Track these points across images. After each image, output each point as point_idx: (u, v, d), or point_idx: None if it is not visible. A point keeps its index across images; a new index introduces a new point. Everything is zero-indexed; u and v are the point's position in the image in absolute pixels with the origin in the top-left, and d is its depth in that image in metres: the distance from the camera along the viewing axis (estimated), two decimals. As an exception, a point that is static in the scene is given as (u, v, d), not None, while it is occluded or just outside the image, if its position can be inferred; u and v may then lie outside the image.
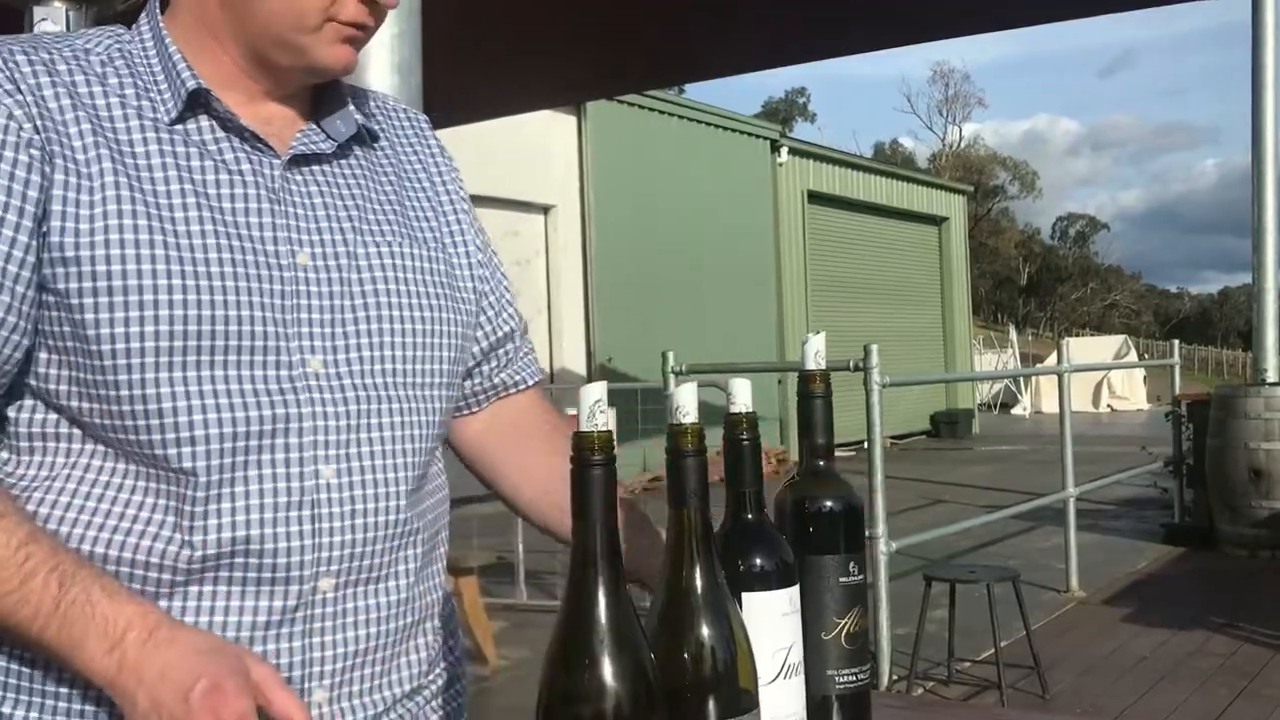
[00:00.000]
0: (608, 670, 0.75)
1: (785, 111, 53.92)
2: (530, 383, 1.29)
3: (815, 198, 17.39)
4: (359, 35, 1.05)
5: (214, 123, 1.04)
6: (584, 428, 0.77)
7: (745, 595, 0.90)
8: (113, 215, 0.96)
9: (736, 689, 0.83)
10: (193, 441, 0.97)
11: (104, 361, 0.96)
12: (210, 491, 0.98)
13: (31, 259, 0.95)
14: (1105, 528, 8.71)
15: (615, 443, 0.79)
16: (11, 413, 1.01)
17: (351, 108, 1.13)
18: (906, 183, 20.32)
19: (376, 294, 1.08)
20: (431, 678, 1.14)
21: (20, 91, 0.97)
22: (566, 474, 0.93)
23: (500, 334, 1.25)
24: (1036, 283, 59.60)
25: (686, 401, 0.84)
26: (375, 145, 1.17)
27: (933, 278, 20.64)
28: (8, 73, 0.97)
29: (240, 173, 1.04)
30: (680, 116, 14.68)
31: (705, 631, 0.81)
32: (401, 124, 1.23)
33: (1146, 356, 30.33)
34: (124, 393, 0.96)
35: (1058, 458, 6.69)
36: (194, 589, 0.98)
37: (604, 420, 0.78)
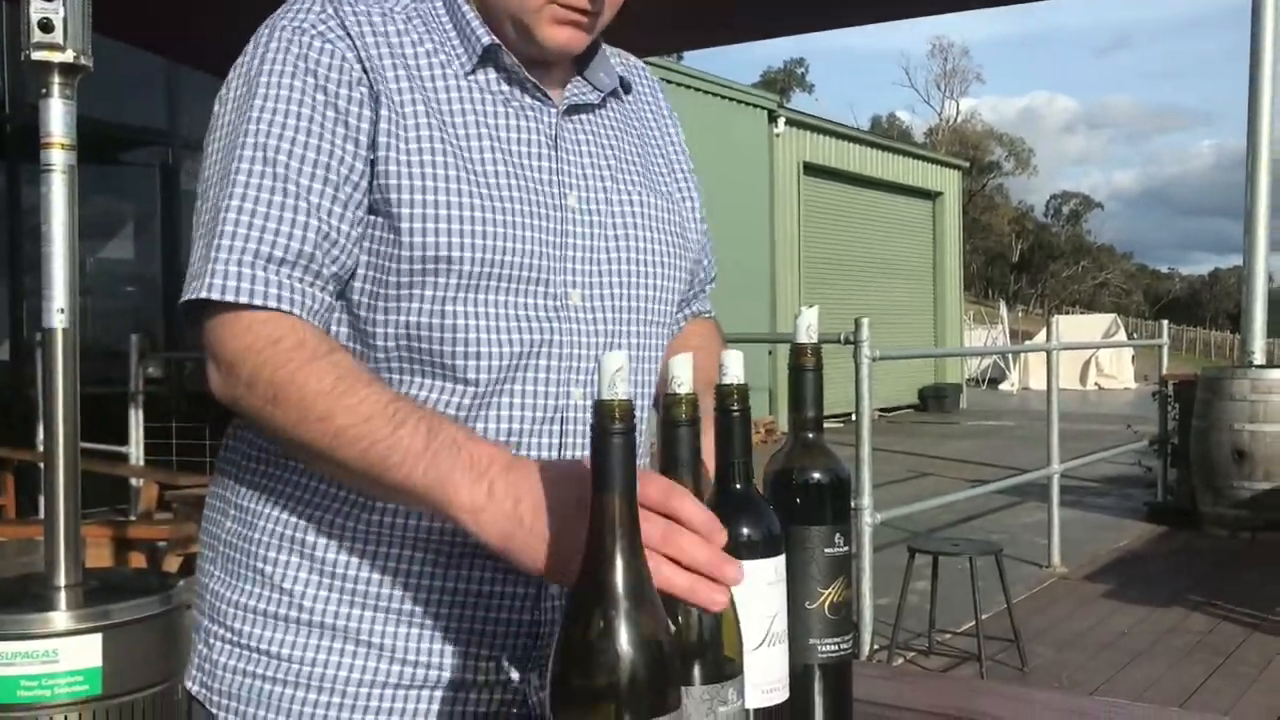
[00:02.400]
0: (625, 638, 0.76)
1: (783, 82, 53.69)
2: (705, 309, 1.42)
3: (811, 169, 17.35)
4: (581, 19, 1.12)
5: (501, 75, 1.15)
6: (604, 396, 0.78)
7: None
8: (426, 151, 1.07)
9: (721, 656, 0.84)
10: (479, 356, 1.08)
11: (413, 277, 1.07)
12: (482, 400, 1.09)
13: (365, 181, 1.07)
14: (1089, 504, 8.78)
15: (635, 411, 0.80)
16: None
17: (613, 61, 1.24)
18: (902, 156, 20.26)
19: (628, 239, 1.18)
20: None
21: (349, 38, 1.09)
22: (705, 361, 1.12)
23: (703, 279, 1.39)
24: (1028, 260, 59.67)
25: (672, 372, 0.86)
26: (628, 97, 1.28)
27: (925, 252, 20.64)
28: (339, 19, 1.10)
29: (527, 119, 1.15)
30: (678, 84, 14.61)
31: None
32: (642, 79, 1.34)
33: (1135, 336, 30.43)
34: (425, 305, 1.07)
35: (1044, 434, 6.73)
36: None
37: (624, 389, 0.79)
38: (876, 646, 4.87)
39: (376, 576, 1.10)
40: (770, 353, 14.29)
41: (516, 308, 1.10)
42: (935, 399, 19.33)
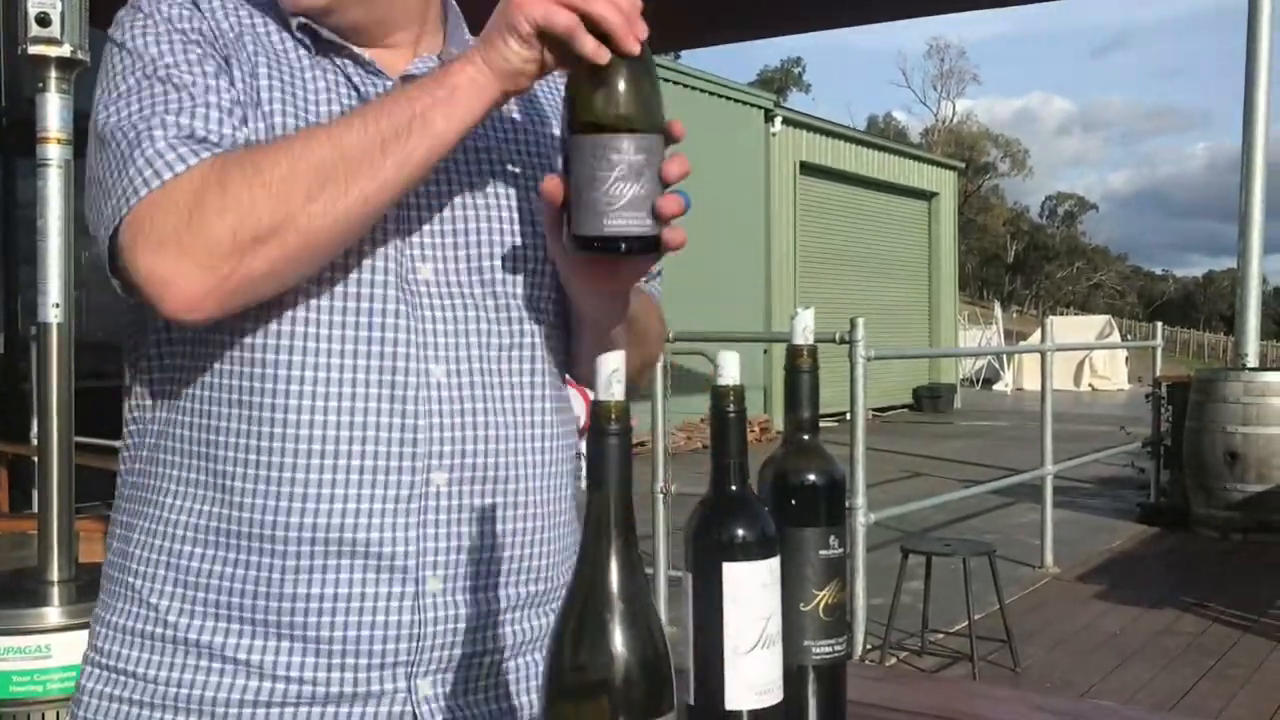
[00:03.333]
0: (619, 641, 0.75)
1: (780, 81, 53.69)
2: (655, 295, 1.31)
3: (807, 169, 17.36)
4: None
5: (333, 49, 1.10)
6: (601, 397, 0.78)
7: (726, 565, 0.91)
8: (266, 116, 1.04)
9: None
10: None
11: None
12: (332, 374, 1.03)
13: (237, 104, 1.04)
14: (1082, 505, 8.80)
15: (630, 412, 0.80)
16: None
17: (470, 38, 1.17)
18: (898, 157, 20.28)
19: (488, 208, 1.11)
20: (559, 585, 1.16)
21: (201, 13, 1.07)
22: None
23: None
24: (1023, 261, 59.75)
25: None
26: None
27: (921, 253, 20.66)
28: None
29: (364, 89, 1.09)
30: (676, 83, 14.60)
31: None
32: None
33: (1129, 337, 30.50)
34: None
35: (1037, 435, 6.75)
36: (313, 475, 1.02)
37: (620, 390, 0.78)
38: (870, 646, 4.88)
39: (238, 586, 1.03)
40: (765, 352, 14.29)
41: (361, 273, 1.04)
42: (930, 399, 19.36)
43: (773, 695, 0.94)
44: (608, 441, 0.78)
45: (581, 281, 1.09)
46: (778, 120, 16.65)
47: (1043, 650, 5.10)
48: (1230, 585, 6.18)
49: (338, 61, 1.11)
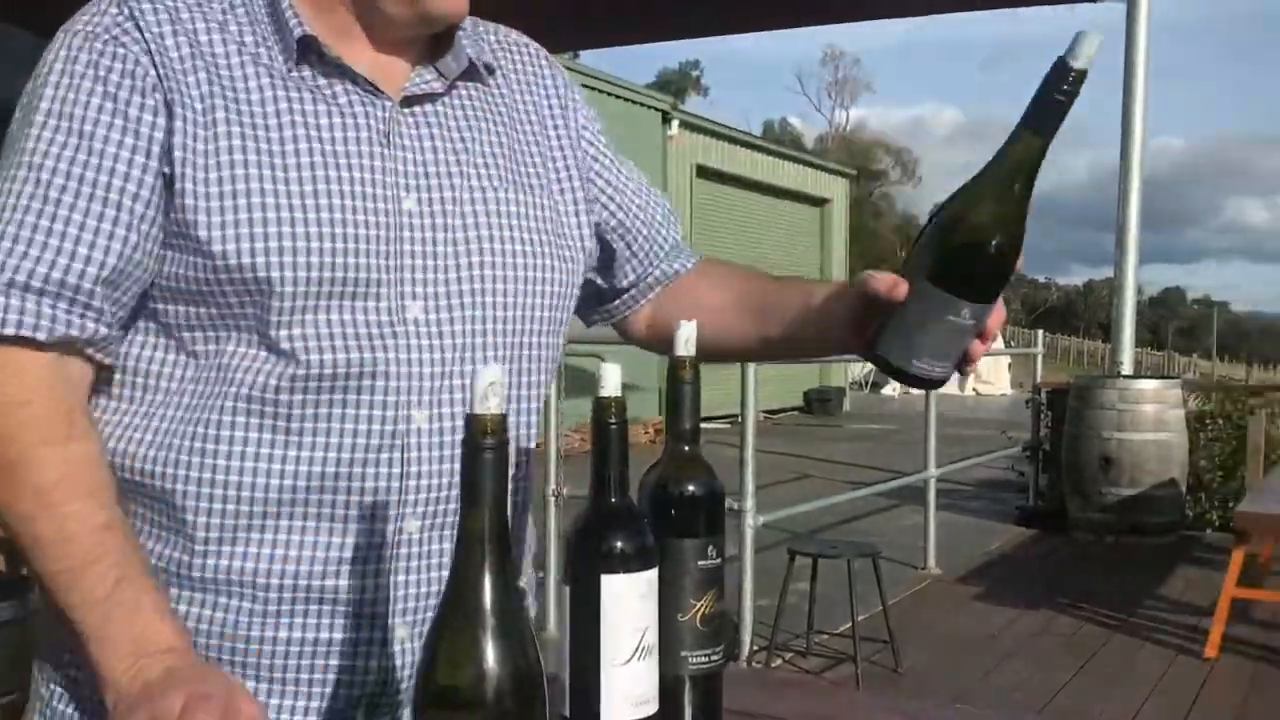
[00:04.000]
0: (490, 656, 0.74)
1: (678, 83, 54.02)
2: (689, 266, 1.33)
3: (704, 172, 17.49)
4: None
5: (322, 70, 1.05)
6: (476, 410, 0.76)
7: (605, 577, 0.91)
8: (233, 164, 0.99)
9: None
10: (293, 379, 1.00)
11: (229, 301, 1.00)
12: (305, 424, 1.01)
13: (158, 198, 0.99)
14: (964, 508, 9.03)
15: (508, 426, 0.78)
16: (124, 348, 1.04)
17: (465, 42, 1.13)
18: (793, 163, 20.58)
19: (480, 241, 1.09)
20: None
21: (145, 41, 1.01)
22: (730, 283, 1.27)
23: (653, 269, 1.31)
24: (913, 267, 61.05)
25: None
26: (490, 80, 1.17)
27: (813, 258, 20.98)
28: (135, 21, 1.01)
29: (354, 115, 1.05)
30: (573, 81, 14.56)
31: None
32: (520, 58, 1.23)
33: (1014, 343, 31.40)
34: (243, 334, 1.01)
35: (922, 438, 6.90)
36: (283, 522, 1.01)
37: (497, 403, 0.77)
38: (756, 648, 4.93)
39: (203, 627, 1.02)
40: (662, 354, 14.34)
41: (344, 325, 1.01)
42: (819, 402, 19.67)
43: (649, 706, 0.94)
44: (483, 457, 0.76)
45: (839, 343, 1.13)
46: (675, 123, 16.74)
47: (924, 650, 5.21)
48: (1103, 586, 6.40)
49: (323, 86, 1.05)
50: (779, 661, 4.91)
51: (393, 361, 1.03)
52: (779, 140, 36.62)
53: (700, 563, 0.99)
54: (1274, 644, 5.21)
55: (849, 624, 4.73)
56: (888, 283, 1.01)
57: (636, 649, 0.92)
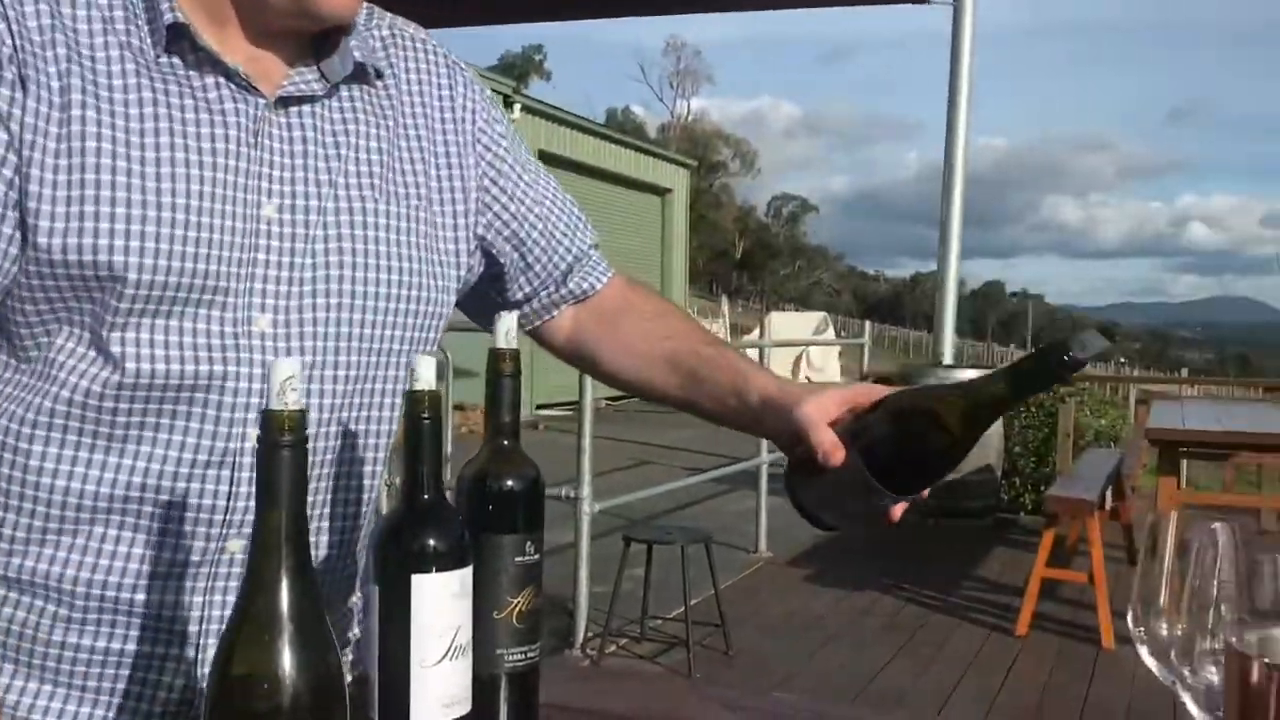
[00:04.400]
0: (287, 663, 0.72)
1: (521, 67, 53.64)
2: (600, 284, 1.30)
3: (546, 158, 17.40)
4: None
5: (193, 59, 0.99)
6: (273, 406, 0.73)
7: (415, 577, 0.89)
8: (78, 152, 0.93)
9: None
10: (119, 386, 0.95)
11: (65, 298, 0.94)
12: (129, 433, 0.96)
13: (9, 189, 0.92)
14: (796, 493, 9.26)
15: (307, 423, 0.75)
16: None
17: (354, 43, 1.06)
18: (635, 152, 20.70)
19: (341, 254, 1.03)
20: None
21: (5, 13, 0.93)
22: (664, 333, 1.24)
23: (552, 283, 1.26)
24: (750, 258, 62.41)
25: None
26: (378, 83, 1.10)
27: (654, 247, 21.18)
28: None
29: (221, 112, 0.99)
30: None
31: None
32: (414, 56, 1.15)
33: (844, 333, 32.39)
34: (80, 332, 0.95)
35: (756, 427, 7.04)
36: (98, 529, 0.96)
37: (295, 398, 0.74)
38: (590, 634, 4.95)
39: (3, 625, 0.99)
40: (499, 339, 14.25)
41: (183, 334, 0.96)
42: (659, 389, 19.88)
43: (461, 707, 0.92)
44: (280, 454, 0.73)
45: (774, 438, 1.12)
46: (517, 107, 16.62)
47: (755, 633, 5.33)
48: (924, 567, 6.67)
49: (192, 78, 0.99)
50: (613, 648, 4.95)
51: (231, 376, 0.98)
52: (622, 128, 36.77)
53: (518, 559, 0.98)
54: (1079, 621, 5.53)
55: (682, 609, 4.79)
56: (825, 449, 1.01)
57: (449, 649, 0.90)
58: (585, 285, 1.29)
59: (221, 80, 1.00)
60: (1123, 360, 54.49)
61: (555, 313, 1.29)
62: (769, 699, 1.18)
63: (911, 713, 4.31)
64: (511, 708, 0.99)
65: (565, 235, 1.27)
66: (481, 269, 1.22)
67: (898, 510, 1.04)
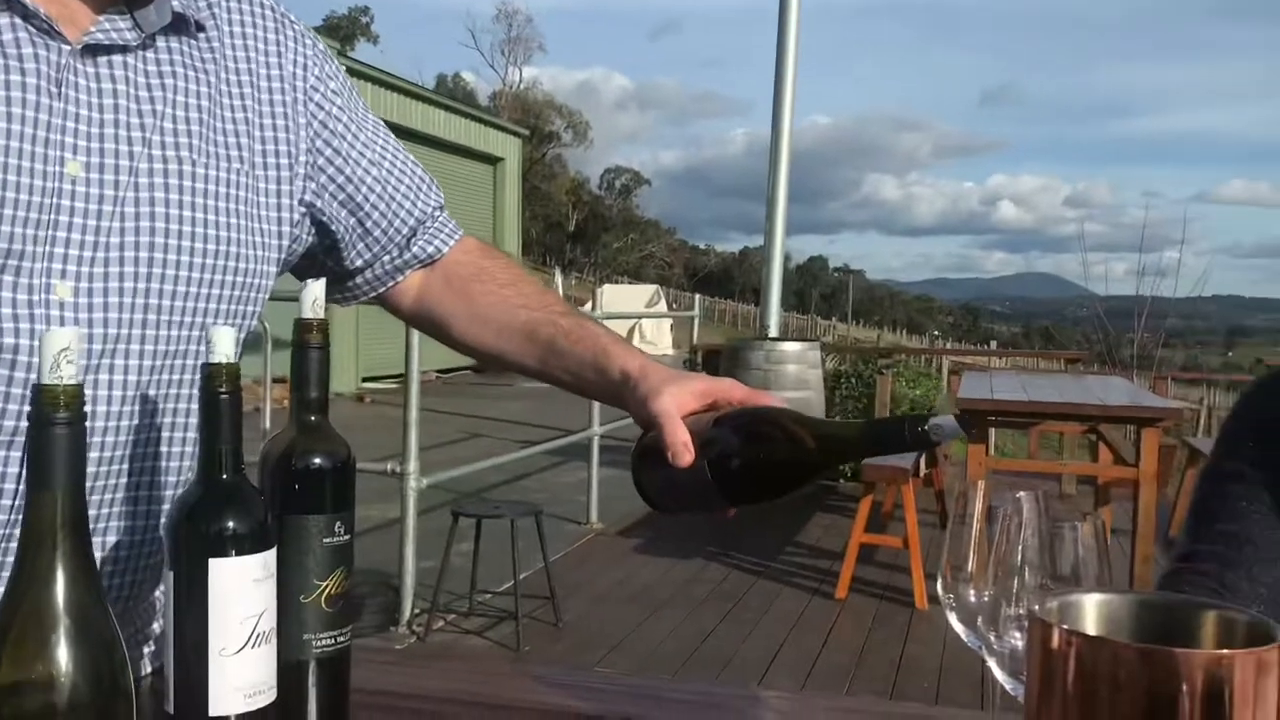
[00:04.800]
0: (64, 659, 0.66)
1: (347, 29, 52.06)
2: (447, 248, 1.25)
3: (372, 123, 16.96)
4: None
5: None
6: (47, 380, 0.67)
7: (213, 561, 0.83)
8: None
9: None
10: None
11: None
12: None
13: None
14: (626, 464, 9.25)
15: (84, 399, 0.69)
16: None
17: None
18: (466, 119, 20.38)
19: (153, 218, 0.96)
20: None
21: None
22: (520, 302, 1.21)
23: (393, 248, 1.21)
24: (583, 230, 62.45)
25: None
26: (198, 36, 1.00)
27: (486, 217, 20.93)
28: None
29: (18, 58, 0.90)
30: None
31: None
32: (240, 9, 1.07)
33: (676, 306, 32.81)
34: None
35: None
36: None
37: (71, 372, 0.67)
38: (417, 610, 4.88)
39: None
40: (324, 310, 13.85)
41: None
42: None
43: (264, 696, 0.88)
44: (54, 432, 0.67)
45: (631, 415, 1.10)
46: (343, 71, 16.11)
47: (584, 604, 5.35)
48: (749, 535, 6.82)
49: None
50: (440, 624, 4.89)
51: (24, 349, 0.91)
52: (452, 95, 36.14)
53: (326, 540, 0.94)
54: (894, 583, 5.76)
55: (512, 582, 4.77)
56: (675, 449, 0.99)
57: (250, 636, 0.85)
58: (431, 249, 1.24)
59: (18, 21, 0.91)
60: (936, 333, 56.97)
61: (400, 278, 1.24)
62: (590, 674, 1.17)
63: (737, 676, 4.40)
64: (321, 694, 0.95)
65: (407, 198, 1.22)
66: (312, 238, 1.16)
67: (731, 511, 1.04)
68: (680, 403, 1.02)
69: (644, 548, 6.58)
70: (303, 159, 1.11)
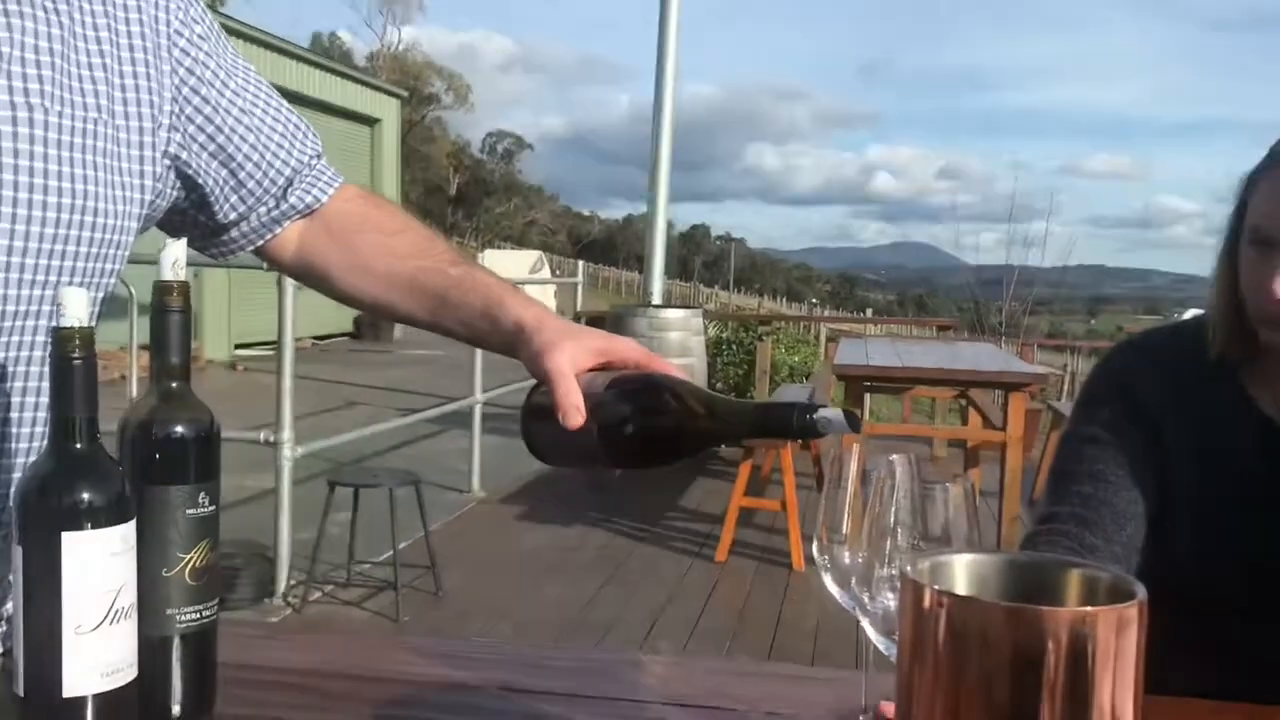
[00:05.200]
0: None
1: (218, -17, 50.12)
2: (326, 196, 1.20)
3: (244, 81, 16.42)
4: None
5: None
6: None
7: (66, 535, 0.80)
8: None
9: None
10: None
11: None
12: None
13: None
14: (508, 431, 9.26)
15: None
16: None
17: None
18: (342, 79, 19.87)
19: (1, 170, 0.91)
20: None
21: None
22: (407, 252, 1.17)
23: (269, 199, 1.16)
24: (465, 194, 61.64)
25: None
26: None
27: (364, 179, 20.44)
28: None
29: None
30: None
31: None
32: None
33: (559, 273, 32.67)
34: None
35: (471, 363, 6.99)
36: None
37: None
38: (293, 582, 4.78)
39: None
40: (195, 275, 13.43)
41: None
42: (370, 326, 19.37)
43: (124, 674, 0.84)
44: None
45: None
46: (213, 27, 15.54)
47: (466, 572, 5.32)
48: (631, 500, 6.86)
49: None
50: (318, 595, 4.80)
51: None
52: (328, 54, 35.18)
53: (190, 512, 0.90)
54: (773, 546, 5.86)
55: (391, 552, 4.71)
56: (565, 410, 0.97)
57: (107, 613, 0.82)
58: (309, 199, 1.19)
59: None
60: (815, 301, 58.04)
61: (278, 229, 1.20)
62: (467, 643, 1.16)
63: (619, 641, 4.43)
64: (187, 671, 0.91)
65: (282, 146, 1.17)
66: (178, 192, 1.11)
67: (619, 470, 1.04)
68: (576, 361, 1.01)
69: (526, 515, 6.56)
70: (167, 108, 1.06)
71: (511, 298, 1.12)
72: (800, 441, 6.81)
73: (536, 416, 1.04)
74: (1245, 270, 1.30)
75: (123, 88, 1.02)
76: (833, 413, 0.92)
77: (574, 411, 0.97)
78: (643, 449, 0.99)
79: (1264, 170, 1.30)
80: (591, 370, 1.01)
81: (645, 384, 1.00)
